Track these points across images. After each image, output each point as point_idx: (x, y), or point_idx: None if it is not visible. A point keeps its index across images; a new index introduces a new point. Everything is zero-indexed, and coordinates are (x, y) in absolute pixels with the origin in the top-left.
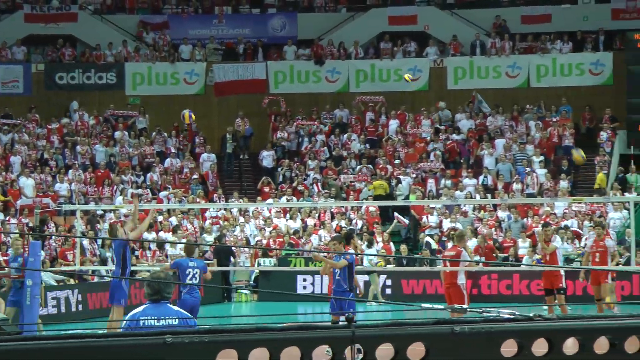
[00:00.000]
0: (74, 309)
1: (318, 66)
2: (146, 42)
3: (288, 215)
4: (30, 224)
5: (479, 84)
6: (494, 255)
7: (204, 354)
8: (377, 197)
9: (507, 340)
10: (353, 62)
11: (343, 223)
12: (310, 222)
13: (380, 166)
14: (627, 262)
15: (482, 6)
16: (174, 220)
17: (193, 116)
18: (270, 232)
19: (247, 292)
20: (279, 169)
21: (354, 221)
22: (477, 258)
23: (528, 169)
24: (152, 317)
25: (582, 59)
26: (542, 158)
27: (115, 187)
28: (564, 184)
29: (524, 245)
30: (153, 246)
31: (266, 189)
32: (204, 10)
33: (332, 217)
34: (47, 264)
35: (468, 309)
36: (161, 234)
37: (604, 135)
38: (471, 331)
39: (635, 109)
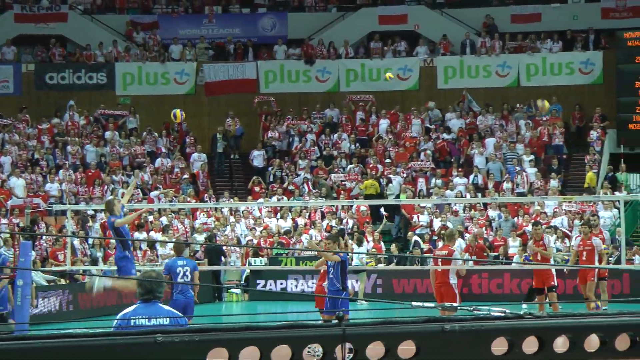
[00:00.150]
0: (64, 309)
1: (308, 66)
2: (136, 42)
3: (279, 215)
4: (21, 224)
5: (469, 83)
6: (485, 254)
7: (194, 353)
8: (368, 197)
9: (498, 338)
10: (343, 61)
11: (334, 222)
12: (300, 221)
13: (371, 166)
14: (618, 261)
15: (472, 5)
16: (164, 220)
17: (183, 115)
18: (261, 232)
19: (238, 291)
20: (270, 169)
21: (344, 220)
22: (466, 257)
23: (518, 168)
24: (143, 317)
25: (572, 58)
26: (532, 157)
27: (106, 187)
28: (554, 183)
29: (514, 244)
30: (144, 246)
31: (257, 189)
32: (194, 10)
33: (323, 217)
34: (38, 264)
35: (459, 307)
36: (152, 233)
37: (594, 134)
38: (461, 329)
39: (625, 107)
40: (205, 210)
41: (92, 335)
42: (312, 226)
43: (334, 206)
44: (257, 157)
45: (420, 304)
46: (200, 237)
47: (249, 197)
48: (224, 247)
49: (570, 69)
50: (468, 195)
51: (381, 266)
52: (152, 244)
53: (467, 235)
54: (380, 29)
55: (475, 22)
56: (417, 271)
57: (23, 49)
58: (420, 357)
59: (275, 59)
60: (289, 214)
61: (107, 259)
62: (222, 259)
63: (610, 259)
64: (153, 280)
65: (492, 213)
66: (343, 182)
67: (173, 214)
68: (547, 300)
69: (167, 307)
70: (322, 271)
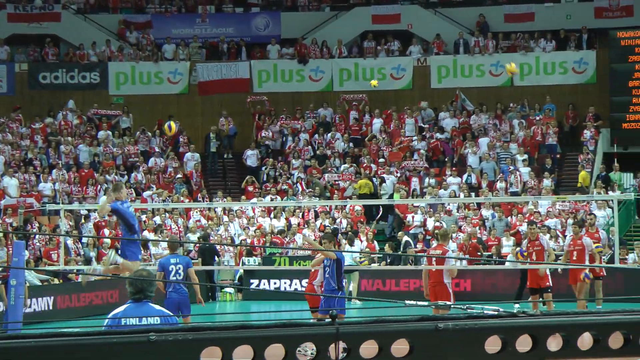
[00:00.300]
0: (58, 308)
1: (302, 65)
2: (129, 42)
3: (272, 215)
4: (14, 224)
5: (463, 82)
6: (479, 253)
7: (188, 351)
8: (362, 196)
9: (491, 337)
10: (337, 61)
11: (327, 222)
12: (294, 221)
13: (364, 165)
14: (611, 260)
15: (466, 5)
16: (157, 219)
17: (179, 124)
18: (254, 232)
19: (232, 291)
20: (263, 168)
21: (337, 220)
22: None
23: (512, 168)
24: (134, 317)
25: (566, 57)
26: (525, 156)
27: (99, 186)
28: (547, 182)
29: (507, 244)
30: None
31: (250, 188)
32: (187, 10)
33: (316, 216)
34: (31, 264)
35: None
36: (145, 233)
37: (587, 133)
38: (455, 327)
39: (619, 107)
40: (198, 209)
41: (85, 334)
42: (306, 226)
43: (327, 206)
44: (251, 157)
45: (414, 302)
46: (194, 237)
47: (243, 197)
48: (218, 247)
49: (563, 68)
50: (462, 195)
51: (375, 265)
52: (145, 244)
53: (461, 235)
54: (373, 29)
55: (468, 21)
56: (410, 271)
57: (16, 48)
58: (414, 355)
59: (269, 58)
60: (283, 213)
61: (100, 259)
62: (216, 258)
63: (603, 258)
64: (144, 280)
65: (486, 212)
66: (337, 182)
67: (166, 214)
68: (542, 301)
69: (157, 307)
70: (312, 271)
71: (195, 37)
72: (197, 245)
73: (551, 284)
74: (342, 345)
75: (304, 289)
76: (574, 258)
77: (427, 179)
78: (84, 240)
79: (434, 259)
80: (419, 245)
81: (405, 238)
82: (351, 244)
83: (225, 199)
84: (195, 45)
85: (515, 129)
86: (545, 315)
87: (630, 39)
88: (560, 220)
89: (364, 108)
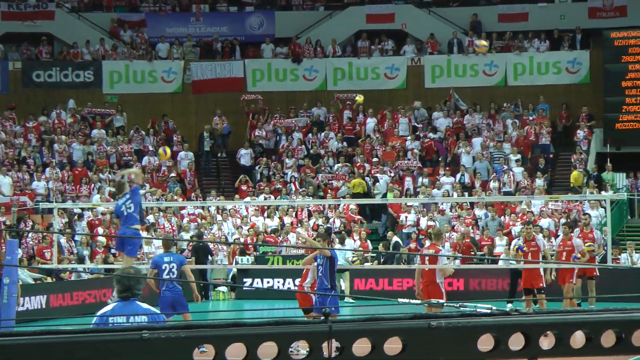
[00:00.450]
0: (51, 306)
1: (296, 64)
2: (123, 40)
3: (265, 214)
4: (8, 222)
5: (457, 82)
6: (472, 252)
7: (180, 349)
8: (355, 195)
9: (484, 335)
10: (331, 60)
11: (320, 221)
12: (287, 220)
13: (358, 164)
14: (604, 260)
15: (460, 4)
16: (151, 218)
17: (169, 152)
18: (247, 231)
19: (225, 290)
20: (257, 167)
21: (331, 219)
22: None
23: (505, 167)
24: (122, 315)
25: (559, 57)
26: (519, 156)
27: (92, 185)
28: (539, 182)
29: (501, 243)
30: None
31: (244, 187)
32: (181, 9)
33: (310, 216)
34: (24, 262)
35: (445, 304)
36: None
37: (580, 133)
38: (448, 325)
39: (612, 107)
40: (191, 209)
41: (77, 331)
42: (299, 225)
43: (320, 205)
44: (245, 156)
45: (407, 300)
46: (187, 236)
47: (236, 196)
48: (211, 247)
49: (557, 68)
50: (455, 195)
51: (368, 265)
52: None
53: (454, 235)
54: (367, 28)
55: (462, 21)
56: (403, 270)
57: (10, 47)
58: (406, 353)
59: (263, 57)
60: (276, 212)
61: (94, 257)
62: (209, 257)
63: (597, 258)
64: (132, 277)
65: (479, 212)
66: (330, 181)
67: (160, 212)
68: (537, 302)
69: (145, 305)
70: (304, 271)
71: (190, 36)
72: (191, 244)
73: (545, 285)
74: (335, 344)
75: (297, 287)
76: (563, 259)
77: (420, 179)
78: (78, 238)
79: (427, 258)
80: (412, 245)
81: (395, 238)
82: (342, 243)
83: (218, 198)
84: (189, 44)
85: (508, 129)
86: (537, 313)
87: (623, 39)
88: (553, 220)
89: (358, 107)
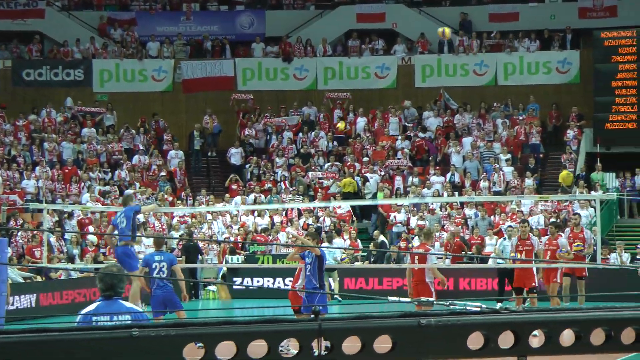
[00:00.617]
0: (41, 305)
1: (286, 63)
2: (114, 39)
3: (256, 213)
4: None
5: (447, 81)
6: (463, 252)
7: (170, 347)
8: (346, 195)
9: (474, 333)
10: (321, 59)
11: (310, 220)
12: (277, 219)
13: (348, 164)
14: (593, 259)
15: (450, 4)
16: (141, 217)
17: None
18: (238, 230)
19: (215, 289)
20: (247, 166)
21: (321, 218)
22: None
23: (495, 167)
24: (105, 314)
25: (550, 57)
26: (509, 156)
27: (82, 184)
28: (529, 182)
29: (490, 243)
30: None
31: (234, 186)
32: (171, 7)
33: (300, 215)
34: (14, 261)
35: (435, 302)
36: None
37: (570, 133)
38: (437, 324)
39: (602, 107)
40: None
41: (67, 329)
42: (289, 224)
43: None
44: (235, 155)
45: (396, 299)
46: (177, 235)
47: (227, 195)
48: (202, 245)
49: (547, 68)
50: (445, 194)
51: (358, 264)
52: None
53: (444, 234)
54: (358, 27)
55: (453, 20)
56: (393, 269)
57: None
58: (396, 351)
59: (253, 56)
60: (266, 211)
61: (84, 256)
62: (200, 256)
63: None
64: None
65: (469, 211)
66: (320, 180)
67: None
68: (527, 301)
69: (128, 304)
70: (296, 272)
71: (180, 35)
72: (181, 243)
73: (537, 285)
74: (325, 344)
75: (287, 286)
76: (547, 258)
77: (410, 178)
78: (67, 237)
79: (416, 257)
80: (402, 244)
81: (381, 238)
82: (330, 242)
83: (209, 197)
84: (179, 43)
85: (498, 129)
86: (527, 311)
87: (613, 39)
88: (543, 216)
89: (348, 107)
